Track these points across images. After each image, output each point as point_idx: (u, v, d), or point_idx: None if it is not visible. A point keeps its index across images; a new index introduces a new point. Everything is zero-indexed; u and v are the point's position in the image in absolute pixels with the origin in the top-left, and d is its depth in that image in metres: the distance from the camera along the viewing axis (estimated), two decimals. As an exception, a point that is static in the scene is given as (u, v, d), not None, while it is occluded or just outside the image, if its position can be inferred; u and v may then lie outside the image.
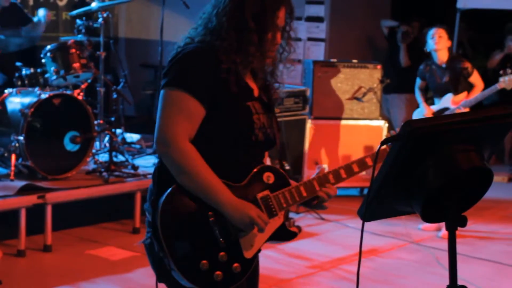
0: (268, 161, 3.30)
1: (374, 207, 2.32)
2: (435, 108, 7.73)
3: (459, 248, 7.03)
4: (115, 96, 8.19)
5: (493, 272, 6.54)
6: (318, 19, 10.29)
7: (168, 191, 2.96)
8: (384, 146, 2.43)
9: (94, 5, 7.68)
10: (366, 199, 2.31)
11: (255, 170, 3.11)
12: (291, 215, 7.66)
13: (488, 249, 7.05)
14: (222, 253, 3.00)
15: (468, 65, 7.64)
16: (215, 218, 2.99)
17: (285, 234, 3.19)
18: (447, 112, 7.50)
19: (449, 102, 7.62)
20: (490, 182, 2.28)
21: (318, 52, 10.24)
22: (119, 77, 8.81)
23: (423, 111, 7.78)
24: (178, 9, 8.87)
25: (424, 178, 2.21)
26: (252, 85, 3.17)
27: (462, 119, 2.19)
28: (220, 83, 2.99)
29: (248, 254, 3.06)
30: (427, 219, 2.28)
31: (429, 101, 8.18)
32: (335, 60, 9.13)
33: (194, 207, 2.98)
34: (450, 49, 7.75)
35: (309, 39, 10.42)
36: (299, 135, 8.36)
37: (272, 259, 6.46)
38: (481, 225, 8.02)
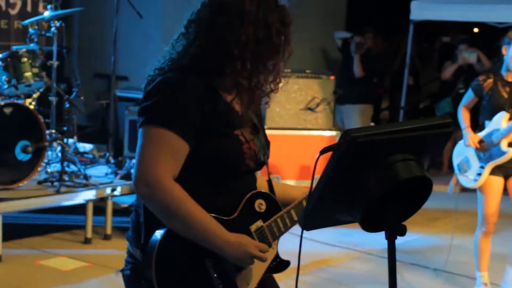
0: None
1: (314, 216, 2.33)
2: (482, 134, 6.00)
3: (411, 257, 7.07)
4: (67, 105, 8.13)
5: (443, 282, 6.60)
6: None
7: (160, 237, 2.71)
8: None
9: (46, 14, 7.62)
10: (306, 208, 2.32)
11: (246, 198, 2.89)
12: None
13: (439, 259, 7.11)
14: None
15: None
16: (212, 262, 2.78)
17: (279, 264, 3.02)
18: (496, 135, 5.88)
19: (500, 122, 5.83)
20: (429, 191, 2.30)
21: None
22: (72, 87, 8.74)
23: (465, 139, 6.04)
24: (132, 19, 8.85)
25: (363, 187, 2.22)
26: (238, 105, 2.91)
27: (401, 129, 2.21)
28: (205, 116, 2.75)
29: None
30: (367, 228, 2.30)
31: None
32: (289, 70, 9.14)
33: (190, 253, 2.75)
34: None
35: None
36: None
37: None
38: (433, 235, 8.10)
